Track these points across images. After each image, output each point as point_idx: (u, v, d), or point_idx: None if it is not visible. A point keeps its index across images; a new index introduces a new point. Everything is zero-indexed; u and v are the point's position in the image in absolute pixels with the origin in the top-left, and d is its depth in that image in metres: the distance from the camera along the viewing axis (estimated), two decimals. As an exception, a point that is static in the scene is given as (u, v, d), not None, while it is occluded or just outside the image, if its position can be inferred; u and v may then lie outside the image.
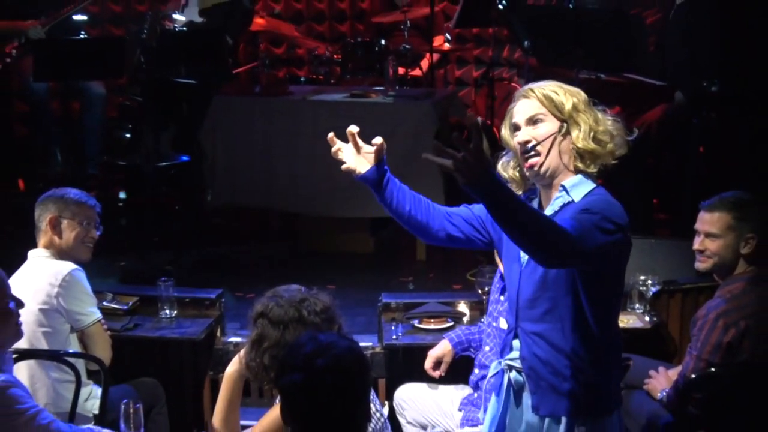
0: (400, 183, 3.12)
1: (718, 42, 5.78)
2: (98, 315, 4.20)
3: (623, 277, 3.05)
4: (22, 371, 3.88)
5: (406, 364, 4.57)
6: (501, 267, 3.61)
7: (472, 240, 3.18)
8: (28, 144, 7.43)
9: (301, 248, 6.75)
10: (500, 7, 6.86)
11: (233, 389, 3.23)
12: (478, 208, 3.15)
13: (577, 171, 2.98)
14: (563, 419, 2.99)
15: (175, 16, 7.31)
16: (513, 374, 3.10)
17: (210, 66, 7.07)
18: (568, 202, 2.95)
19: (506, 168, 3.11)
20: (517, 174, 3.08)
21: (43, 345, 4.03)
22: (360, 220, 6.56)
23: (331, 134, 3.09)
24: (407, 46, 7.57)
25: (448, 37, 8.13)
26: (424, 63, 7.72)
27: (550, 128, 2.96)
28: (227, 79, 7.32)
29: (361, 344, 2.96)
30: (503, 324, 3.64)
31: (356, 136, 3.06)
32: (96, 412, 4.09)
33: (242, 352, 3.15)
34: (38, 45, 6.66)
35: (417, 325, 4.78)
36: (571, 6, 6.67)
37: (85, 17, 7.23)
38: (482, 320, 4.29)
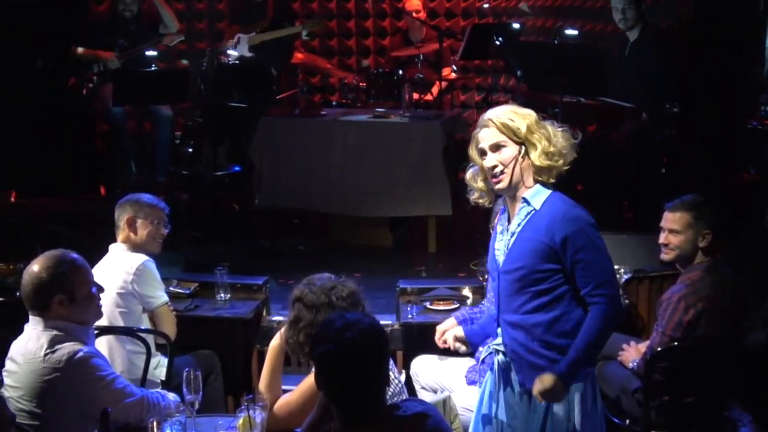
0: (479, 328, 3.40)
1: (665, 72, 5.80)
2: (165, 298, 4.20)
3: None
4: (102, 344, 3.88)
5: (420, 339, 4.53)
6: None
7: None
8: (108, 157, 7.44)
9: (332, 242, 6.72)
10: (497, 43, 6.93)
11: (276, 359, 3.23)
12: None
13: (535, 182, 2.98)
14: None
15: (230, 51, 7.30)
16: (500, 357, 3.10)
17: (258, 93, 7.08)
18: (531, 211, 2.96)
19: (476, 179, 3.09)
20: (486, 185, 3.07)
21: (120, 323, 4.04)
22: (381, 218, 6.55)
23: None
24: (420, 76, 7.55)
25: (454, 67, 8.10)
26: (435, 89, 7.69)
27: (511, 152, 2.96)
28: (272, 104, 7.31)
29: (382, 322, 2.94)
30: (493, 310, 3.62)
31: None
32: (163, 378, 4.09)
33: (283, 329, 3.14)
34: (118, 75, 6.67)
35: (428, 306, 4.76)
36: (555, 42, 6.72)
37: (155, 53, 7.24)
38: (483, 302, 4.27)
